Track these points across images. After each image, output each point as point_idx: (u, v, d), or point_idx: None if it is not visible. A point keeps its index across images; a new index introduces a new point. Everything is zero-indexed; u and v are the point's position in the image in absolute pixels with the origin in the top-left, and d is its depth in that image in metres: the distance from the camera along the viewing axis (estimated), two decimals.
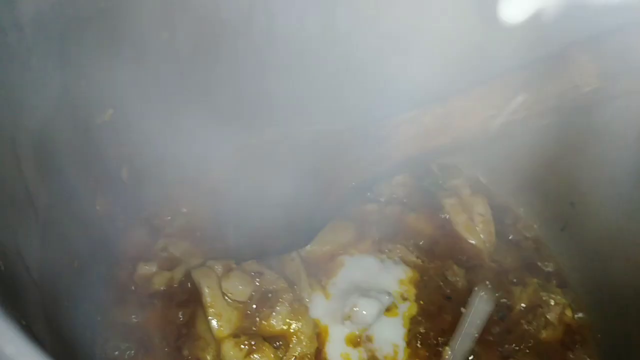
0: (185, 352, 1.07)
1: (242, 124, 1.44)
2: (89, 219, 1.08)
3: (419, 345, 1.13)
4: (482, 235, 1.31)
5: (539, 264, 1.31)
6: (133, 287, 1.16)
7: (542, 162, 1.31)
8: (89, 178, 1.06)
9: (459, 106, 0.98)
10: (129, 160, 1.19)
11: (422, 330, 1.15)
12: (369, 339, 1.12)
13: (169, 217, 1.29)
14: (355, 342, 1.11)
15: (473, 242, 1.30)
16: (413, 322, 1.15)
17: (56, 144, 0.91)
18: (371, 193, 1.34)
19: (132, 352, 1.06)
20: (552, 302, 1.19)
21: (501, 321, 1.18)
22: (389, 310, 1.15)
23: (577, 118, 1.16)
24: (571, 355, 1.16)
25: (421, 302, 1.18)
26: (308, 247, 1.20)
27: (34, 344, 0.50)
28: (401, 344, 1.13)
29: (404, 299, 1.18)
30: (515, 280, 1.25)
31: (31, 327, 0.57)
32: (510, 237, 1.35)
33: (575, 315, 1.21)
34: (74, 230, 1.01)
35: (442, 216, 1.33)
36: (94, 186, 1.08)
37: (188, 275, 1.14)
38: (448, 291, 1.21)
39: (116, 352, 1.06)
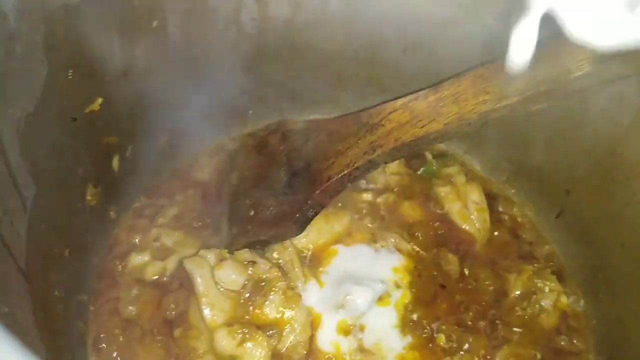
0: (178, 342, 1.07)
1: (234, 113, 1.44)
2: (80, 209, 1.07)
3: (412, 332, 1.12)
4: (476, 223, 1.30)
5: (534, 251, 1.30)
6: (125, 277, 1.15)
7: (537, 149, 1.30)
8: (78, 168, 1.05)
9: (451, 92, 0.97)
10: (120, 150, 1.18)
11: (415, 317, 1.14)
12: (361, 328, 1.11)
13: (161, 207, 1.28)
14: (346, 330, 1.11)
15: (468, 229, 1.29)
16: (406, 309, 1.15)
17: (42, 133, 0.90)
18: (365, 182, 1.33)
19: (126, 347, 1.05)
20: (547, 289, 1.19)
21: (497, 306, 1.17)
22: (382, 299, 1.14)
23: (571, 104, 1.16)
24: (566, 342, 1.15)
25: (415, 290, 1.17)
26: (301, 237, 1.19)
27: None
28: (393, 332, 1.12)
29: (398, 286, 1.17)
30: (509, 267, 1.24)
31: (15, 315, 0.56)
32: (504, 225, 1.34)
33: (570, 302, 1.21)
34: (63, 221, 1.00)
35: (437, 204, 1.32)
36: (84, 176, 1.07)
37: (181, 265, 1.13)
38: (442, 279, 1.20)
39: (109, 343, 1.05)
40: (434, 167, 1.38)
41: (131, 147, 1.21)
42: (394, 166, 1.33)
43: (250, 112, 1.47)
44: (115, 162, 1.18)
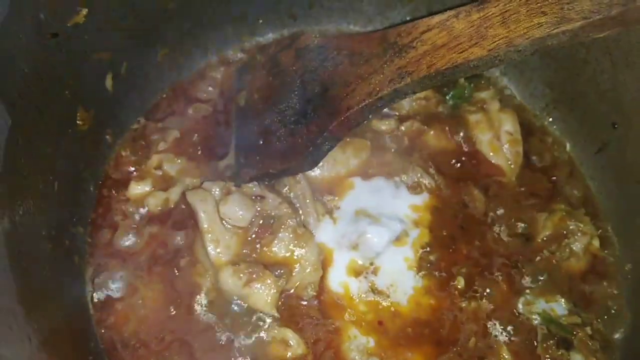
0: (181, 277, 1.01)
1: (241, 22, 1.29)
2: (69, 135, 0.97)
3: (429, 275, 1.05)
4: (508, 156, 1.19)
5: (568, 189, 1.19)
6: (125, 208, 1.07)
7: (584, 75, 1.16)
8: (64, 90, 0.93)
9: (500, 10, 0.80)
10: (113, 68, 1.05)
11: (432, 259, 1.07)
12: (374, 269, 1.04)
13: (162, 130, 1.17)
14: (357, 271, 1.04)
15: (498, 163, 1.18)
16: (424, 250, 1.07)
17: (14, 52, 0.77)
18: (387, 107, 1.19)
19: (125, 280, 0.99)
20: (579, 232, 1.10)
21: (521, 249, 1.09)
22: (399, 239, 1.06)
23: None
24: (595, 288, 1.08)
25: (435, 230, 1.09)
26: (316, 170, 1.08)
27: None
28: (408, 273, 1.05)
29: (417, 225, 1.09)
30: (540, 206, 1.14)
31: None
32: (538, 158, 1.21)
33: (603, 246, 1.12)
34: (49, 151, 0.90)
35: (465, 134, 1.20)
36: (72, 99, 0.95)
37: (184, 197, 1.05)
38: (465, 219, 1.11)
39: (107, 277, 1.00)
40: (466, 92, 1.24)
41: (126, 63, 1.09)
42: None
43: (260, 20, 1.31)
44: (108, 81, 1.07)
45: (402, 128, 1.19)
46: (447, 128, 1.20)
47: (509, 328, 1.02)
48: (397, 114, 1.21)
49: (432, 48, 0.86)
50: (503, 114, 1.21)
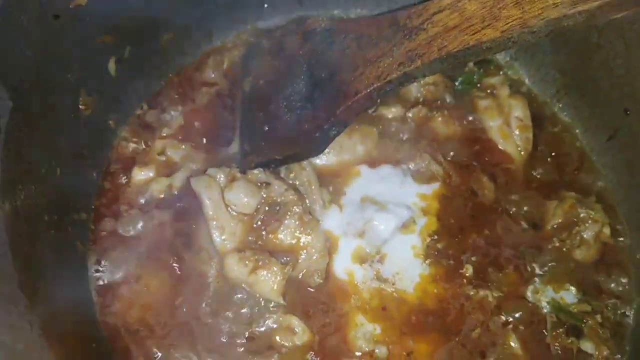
0: (186, 265, 1.00)
1: (247, 6, 1.26)
2: (72, 120, 0.95)
3: (436, 263, 1.04)
4: (518, 143, 1.17)
5: (579, 176, 1.17)
6: (128, 194, 1.06)
7: (596, 59, 1.13)
8: (67, 74, 0.91)
9: None
10: (116, 51, 1.03)
11: (440, 247, 1.05)
12: (381, 257, 1.03)
13: (166, 116, 1.15)
14: (362, 258, 1.03)
15: (507, 149, 1.16)
16: (432, 238, 1.06)
17: (15, 35, 0.75)
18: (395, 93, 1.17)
19: (129, 267, 0.98)
20: (590, 220, 1.08)
21: (531, 237, 1.07)
22: (406, 226, 1.04)
23: None
24: (605, 277, 1.06)
25: (443, 218, 1.07)
26: (321, 155, 1.06)
27: None
28: (415, 261, 1.04)
29: (425, 213, 1.07)
30: (550, 194, 1.12)
31: None
32: (548, 146, 1.19)
33: (614, 235, 1.10)
34: (51, 136, 0.88)
35: (475, 120, 1.17)
36: (75, 83, 0.94)
37: (189, 183, 1.03)
38: (473, 206, 1.09)
39: (111, 264, 0.99)
40: (475, 77, 1.21)
41: (129, 47, 1.08)
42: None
43: (266, 5, 1.29)
44: (111, 65, 1.05)
45: (410, 115, 1.16)
46: (455, 114, 1.18)
47: (518, 316, 1.01)
48: (405, 100, 1.18)
49: (443, 30, 0.84)
50: (513, 100, 1.18)
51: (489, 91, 1.20)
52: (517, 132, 1.17)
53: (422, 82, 1.18)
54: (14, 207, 0.73)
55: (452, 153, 1.14)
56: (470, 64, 1.21)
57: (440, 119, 1.17)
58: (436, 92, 1.20)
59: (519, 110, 1.17)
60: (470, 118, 1.18)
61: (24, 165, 0.79)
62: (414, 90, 1.18)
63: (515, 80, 1.26)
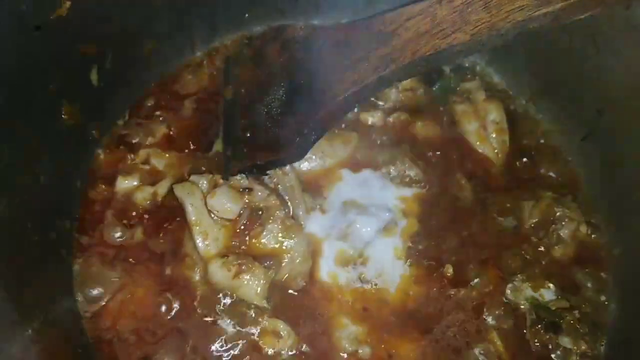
0: (171, 272, 1.01)
1: (228, 16, 1.28)
2: (55, 129, 0.96)
3: (417, 264, 1.05)
4: (494, 145, 1.19)
5: (554, 176, 1.20)
6: (112, 204, 1.06)
7: (568, 63, 1.16)
8: (49, 84, 0.92)
9: None
10: (98, 61, 1.04)
11: (421, 248, 1.07)
12: (363, 260, 1.04)
13: (149, 125, 1.16)
14: (345, 260, 1.04)
15: (484, 152, 1.19)
16: (412, 240, 1.08)
17: None
18: (374, 99, 1.19)
19: (113, 275, 0.98)
20: (567, 219, 1.10)
21: (509, 237, 1.10)
22: (387, 229, 1.06)
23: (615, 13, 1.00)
24: (582, 274, 1.08)
25: (423, 220, 1.09)
26: (303, 161, 1.08)
27: None
28: (397, 263, 1.05)
29: (405, 215, 1.09)
30: (527, 194, 1.14)
31: None
32: (524, 146, 1.22)
33: (590, 232, 1.12)
34: (35, 143, 0.89)
35: (452, 124, 1.20)
36: (57, 92, 0.94)
37: (172, 191, 1.04)
38: (453, 208, 1.11)
39: (95, 271, 0.99)
40: (452, 83, 1.24)
41: (111, 56, 1.08)
42: (407, 82, 1.18)
43: (247, 15, 1.31)
44: (93, 75, 1.05)
45: (390, 120, 1.19)
46: (434, 119, 1.21)
47: (498, 314, 1.02)
48: (384, 105, 1.21)
49: (415, 35, 0.86)
50: (489, 104, 1.21)
51: (465, 96, 1.23)
52: (493, 135, 1.20)
53: (400, 88, 1.21)
54: None
55: (431, 156, 1.17)
56: (447, 70, 1.24)
57: (419, 123, 1.19)
58: (414, 98, 1.22)
59: (494, 114, 1.20)
60: (449, 122, 1.21)
61: (7, 172, 0.79)
62: (393, 95, 1.21)
63: (490, 84, 1.29)
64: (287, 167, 1.06)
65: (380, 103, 1.21)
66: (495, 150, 1.19)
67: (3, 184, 0.78)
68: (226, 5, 1.27)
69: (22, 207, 0.82)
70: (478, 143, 1.19)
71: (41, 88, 0.90)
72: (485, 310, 1.03)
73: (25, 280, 0.79)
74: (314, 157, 1.11)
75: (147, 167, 1.11)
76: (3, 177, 0.78)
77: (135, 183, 1.09)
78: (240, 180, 1.03)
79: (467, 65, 1.29)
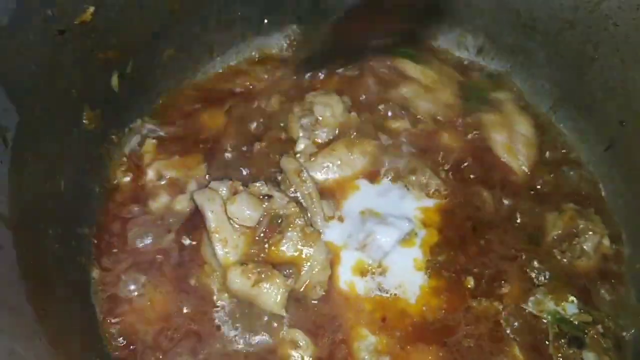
0: (192, 279, 1.00)
1: (250, 24, 1.29)
2: (76, 134, 0.96)
3: (437, 275, 1.04)
4: (520, 158, 1.18)
5: (577, 188, 1.18)
6: (130, 210, 1.06)
7: (590, 72, 1.15)
8: (71, 89, 0.92)
9: None
10: (119, 67, 1.04)
11: (441, 259, 1.06)
12: (382, 270, 1.03)
13: (168, 128, 1.16)
14: (363, 270, 1.03)
15: (509, 163, 1.17)
16: (433, 251, 1.06)
17: (23, 50, 0.76)
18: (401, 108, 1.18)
19: (132, 282, 0.98)
20: (589, 231, 1.09)
21: (531, 249, 1.08)
22: (407, 239, 1.05)
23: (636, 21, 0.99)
24: (605, 288, 1.07)
25: (443, 231, 1.08)
26: (322, 171, 1.08)
27: None
28: (417, 274, 1.04)
29: (425, 226, 1.08)
30: (549, 206, 1.13)
31: None
32: (548, 157, 1.21)
33: (613, 245, 1.10)
34: (57, 148, 0.89)
35: (480, 134, 1.19)
36: (79, 98, 0.94)
37: (192, 198, 1.04)
38: (474, 219, 1.10)
39: (114, 280, 0.99)
40: (484, 90, 1.23)
41: (132, 62, 1.08)
42: (447, 96, 1.18)
43: (266, 21, 1.31)
44: (114, 80, 1.05)
45: (416, 127, 1.18)
46: (460, 127, 1.20)
47: (520, 327, 1.01)
48: (410, 113, 1.20)
49: None
50: (519, 116, 1.21)
51: (495, 106, 1.22)
52: (520, 146, 1.18)
53: (430, 97, 1.20)
54: (21, 220, 0.73)
55: (455, 166, 1.15)
56: (477, 79, 1.23)
57: (445, 132, 1.18)
58: (447, 110, 1.21)
59: (525, 127, 1.20)
60: (476, 132, 1.20)
61: (30, 179, 0.79)
62: (422, 103, 1.20)
63: (520, 95, 1.28)
64: (305, 174, 1.06)
65: (406, 111, 1.19)
66: (520, 163, 1.17)
67: (27, 191, 0.78)
68: (244, 13, 1.27)
69: (43, 214, 0.82)
70: (505, 154, 1.18)
71: (64, 93, 0.90)
72: (506, 323, 1.01)
73: (45, 288, 0.79)
74: (331, 166, 1.10)
75: (163, 182, 1.10)
76: (27, 185, 0.78)
77: (164, 200, 1.08)
78: (260, 187, 1.02)
79: (500, 74, 1.28)
